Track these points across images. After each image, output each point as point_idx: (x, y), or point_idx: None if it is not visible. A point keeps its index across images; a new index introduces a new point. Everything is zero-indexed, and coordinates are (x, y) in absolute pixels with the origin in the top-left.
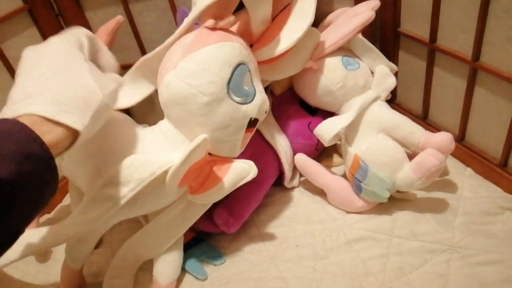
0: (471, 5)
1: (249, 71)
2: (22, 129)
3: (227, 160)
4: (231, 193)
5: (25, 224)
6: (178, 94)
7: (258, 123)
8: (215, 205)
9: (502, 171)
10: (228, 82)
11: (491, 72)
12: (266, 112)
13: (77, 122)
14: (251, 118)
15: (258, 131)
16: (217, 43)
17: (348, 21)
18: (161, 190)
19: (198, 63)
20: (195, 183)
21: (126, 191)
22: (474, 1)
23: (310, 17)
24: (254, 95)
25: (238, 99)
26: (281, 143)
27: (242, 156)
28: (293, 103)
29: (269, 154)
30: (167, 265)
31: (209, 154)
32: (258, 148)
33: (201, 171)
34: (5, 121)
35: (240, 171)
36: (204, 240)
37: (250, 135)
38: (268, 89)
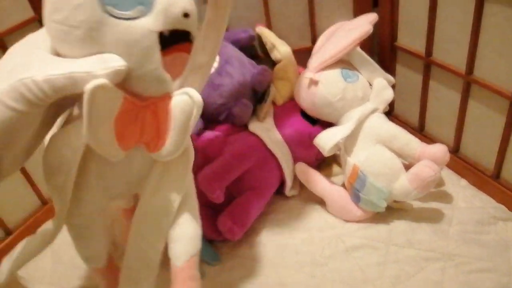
0: (465, 21)
1: None
2: None
3: (163, 98)
4: (235, 201)
5: None
6: (53, 36)
7: (191, 36)
8: (219, 213)
9: (495, 182)
10: None
11: (484, 86)
12: (185, 15)
13: None
14: (161, 33)
15: (260, 140)
16: None
17: (346, 34)
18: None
19: None
20: (145, 138)
21: None
22: (467, 17)
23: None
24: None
25: (125, 13)
26: (283, 152)
27: (247, 162)
28: (294, 113)
29: (271, 163)
30: (178, 241)
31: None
32: (261, 157)
33: (135, 121)
34: None
35: (183, 107)
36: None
37: (183, 55)
38: (267, 98)
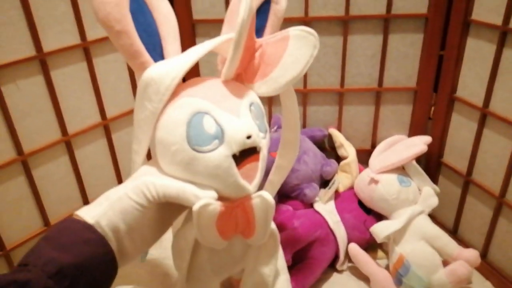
0: (503, 153)
1: (207, 113)
2: (78, 222)
3: (247, 198)
4: (298, 266)
5: None
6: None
7: (258, 148)
8: None
9: None
10: (187, 139)
11: None
12: (248, 137)
13: (87, 214)
14: (235, 154)
15: (323, 219)
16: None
17: (406, 149)
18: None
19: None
20: (239, 229)
21: None
22: (506, 152)
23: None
24: (223, 133)
25: (207, 148)
26: (341, 232)
27: (312, 235)
28: (353, 201)
29: (330, 239)
30: None
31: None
32: (323, 233)
33: (230, 217)
34: (65, 220)
35: (260, 206)
36: None
37: (252, 164)
38: (332, 186)
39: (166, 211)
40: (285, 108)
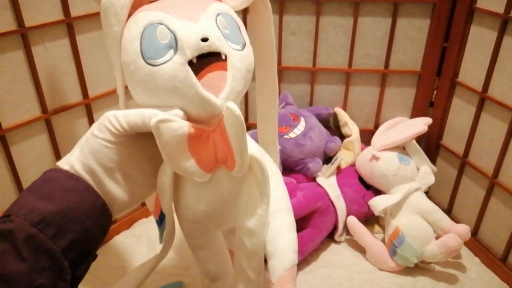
0: (498, 136)
1: (161, 23)
2: (59, 171)
3: (222, 118)
4: (298, 234)
5: (89, 248)
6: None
7: (222, 54)
8: None
9: (502, 264)
10: (141, 53)
11: (505, 189)
12: (203, 40)
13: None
14: (191, 61)
15: (325, 192)
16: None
17: (407, 129)
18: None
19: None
20: (220, 158)
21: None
22: (500, 135)
23: None
24: (176, 39)
25: (161, 60)
26: (340, 205)
27: (314, 205)
28: (353, 177)
29: (331, 211)
30: (272, 257)
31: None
32: (324, 204)
33: (207, 144)
34: (47, 171)
35: (228, 120)
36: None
37: (216, 73)
38: (335, 162)
39: (145, 145)
40: (258, 33)
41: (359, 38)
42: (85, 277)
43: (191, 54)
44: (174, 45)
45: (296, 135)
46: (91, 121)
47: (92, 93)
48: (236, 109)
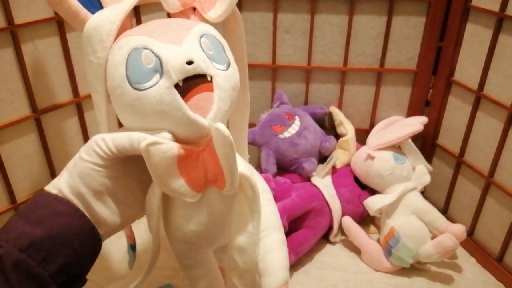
0: (495, 135)
1: (145, 47)
2: (48, 195)
3: (211, 139)
4: (293, 234)
5: (79, 271)
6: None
7: (208, 76)
8: None
9: (498, 264)
10: (127, 78)
11: (501, 188)
12: (188, 63)
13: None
14: (177, 84)
15: (320, 192)
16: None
17: (403, 128)
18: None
19: None
20: (211, 177)
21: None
22: (496, 134)
23: None
24: (161, 63)
25: (147, 84)
26: (335, 205)
27: (309, 205)
28: (349, 177)
29: (326, 211)
30: (264, 275)
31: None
32: (319, 205)
33: (197, 164)
34: (36, 195)
35: (217, 140)
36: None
37: (202, 95)
38: (330, 162)
39: (134, 167)
40: (230, 48)
41: (354, 36)
42: None
43: (176, 77)
44: (160, 69)
45: (290, 135)
46: (81, 120)
47: (83, 91)
48: (225, 130)
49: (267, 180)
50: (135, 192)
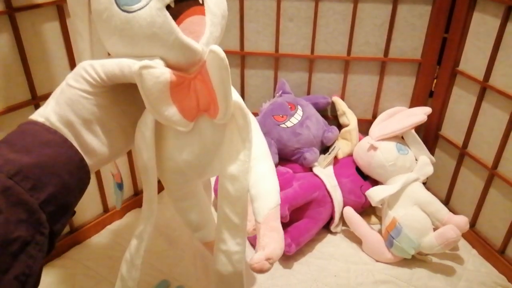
0: (499, 127)
1: None
2: (35, 124)
3: (203, 64)
4: (294, 224)
5: (67, 203)
6: (102, 39)
7: None
8: None
9: (500, 257)
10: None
11: (504, 180)
12: None
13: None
14: (169, 6)
15: (322, 182)
16: None
17: (406, 118)
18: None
19: None
20: (203, 106)
21: None
22: (501, 125)
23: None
24: None
25: (137, 6)
26: (337, 196)
27: (311, 195)
28: (351, 168)
29: (327, 201)
30: (256, 200)
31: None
32: (321, 195)
33: (189, 92)
34: (22, 124)
35: (212, 63)
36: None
37: (195, 18)
38: (332, 152)
39: (122, 97)
40: None
41: (358, 25)
42: (77, 267)
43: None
44: None
45: (293, 124)
46: None
47: None
48: (220, 51)
49: None
50: (123, 123)
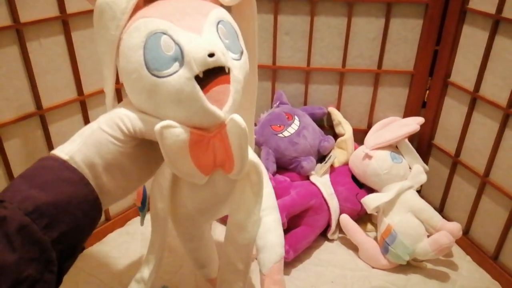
0: (490, 136)
1: (165, 33)
2: (55, 160)
3: (223, 126)
4: (292, 231)
5: (77, 241)
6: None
7: (226, 68)
8: None
9: (494, 263)
10: (145, 63)
11: (498, 188)
12: (210, 55)
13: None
14: (199, 77)
15: (318, 190)
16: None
17: (399, 128)
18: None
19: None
20: (219, 162)
21: None
22: (491, 134)
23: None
24: (182, 52)
25: (166, 72)
26: (333, 203)
27: (308, 203)
28: (347, 176)
29: (324, 209)
30: (263, 251)
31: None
32: (318, 202)
33: (207, 149)
34: (42, 159)
35: (232, 131)
36: None
37: (221, 87)
38: (328, 161)
39: (148, 149)
40: (241, 30)
41: (352, 38)
42: (79, 275)
43: (198, 69)
44: (180, 58)
45: (290, 134)
46: (85, 118)
47: (87, 90)
48: (241, 122)
49: None
50: (143, 171)
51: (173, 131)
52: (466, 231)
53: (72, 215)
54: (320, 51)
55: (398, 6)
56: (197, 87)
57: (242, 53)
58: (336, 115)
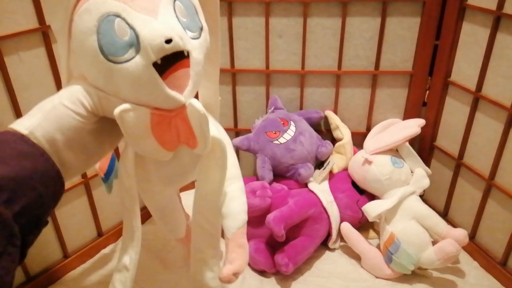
0: (494, 136)
1: (118, 15)
2: (14, 134)
3: (184, 107)
4: (291, 243)
5: (40, 214)
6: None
7: (186, 52)
8: (275, 250)
9: (502, 269)
10: (100, 49)
11: (503, 191)
12: (167, 41)
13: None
14: (156, 62)
15: (317, 198)
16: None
17: (400, 131)
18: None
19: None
20: (183, 139)
21: None
22: (496, 136)
23: None
24: (138, 38)
25: (123, 58)
26: (333, 211)
27: (306, 213)
28: (346, 182)
29: (324, 218)
30: (227, 217)
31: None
32: (317, 211)
33: (170, 127)
34: (1, 133)
35: (192, 115)
36: None
37: (181, 71)
38: (327, 167)
39: (110, 124)
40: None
41: (348, 39)
42: None
43: (155, 57)
44: (136, 44)
45: (286, 140)
46: None
47: None
48: (200, 108)
49: (263, 188)
50: (104, 146)
51: (133, 114)
52: (472, 235)
53: (33, 189)
54: (315, 53)
55: (394, 4)
56: (156, 74)
57: (201, 29)
58: (334, 119)
